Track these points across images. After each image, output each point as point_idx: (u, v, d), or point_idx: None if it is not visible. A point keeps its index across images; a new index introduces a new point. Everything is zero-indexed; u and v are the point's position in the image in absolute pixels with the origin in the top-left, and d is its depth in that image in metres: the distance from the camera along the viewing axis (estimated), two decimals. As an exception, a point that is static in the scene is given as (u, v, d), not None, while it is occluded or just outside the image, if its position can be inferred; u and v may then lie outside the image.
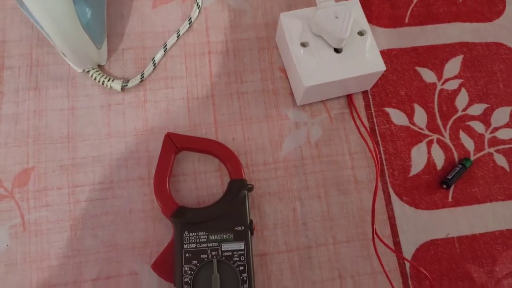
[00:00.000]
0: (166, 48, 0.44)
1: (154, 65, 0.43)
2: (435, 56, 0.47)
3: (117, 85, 0.41)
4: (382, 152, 0.44)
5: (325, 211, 0.41)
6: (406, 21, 0.48)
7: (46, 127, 0.41)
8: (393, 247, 0.40)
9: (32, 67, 0.42)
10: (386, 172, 0.43)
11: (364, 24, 0.42)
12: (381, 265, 0.38)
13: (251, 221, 0.37)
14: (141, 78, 0.42)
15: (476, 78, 0.47)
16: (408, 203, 0.42)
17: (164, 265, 0.36)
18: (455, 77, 0.47)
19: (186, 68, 0.44)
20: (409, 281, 0.40)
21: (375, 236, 0.39)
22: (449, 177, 0.43)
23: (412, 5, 0.49)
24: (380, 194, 0.42)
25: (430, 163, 0.44)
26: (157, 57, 0.43)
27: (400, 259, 0.40)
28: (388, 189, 0.43)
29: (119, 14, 0.45)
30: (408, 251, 0.41)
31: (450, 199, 0.43)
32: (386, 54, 0.46)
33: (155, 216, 0.39)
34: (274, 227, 0.40)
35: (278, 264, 0.40)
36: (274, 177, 0.42)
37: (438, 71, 0.47)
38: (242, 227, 0.37)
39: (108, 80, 0.41)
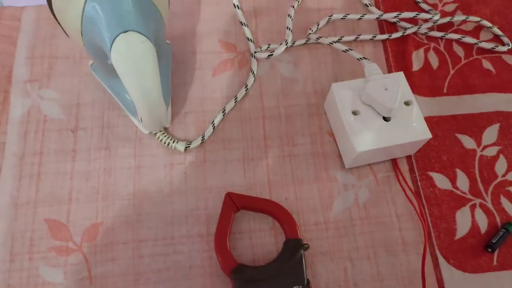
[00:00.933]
0: (225, 112, 0.47)
1: (213, 128, 0.46)
2: (473, 124, 0.50)
3: (181, 146, 0.44)
4: (427, 214, 0.46)
5: (374, 272, 0.43)
6: (445, 91, 0.52)
7: (115, 184, 0.44)
8: (443, 310, 0.41)
9: (103, 128, 0.46)
10: (433, 234, 0.45)
11: (409, 95, 0.45)
12: (435, 328, 0.39)
13: (308, 280, 0.39)
14: (201, 140, 0.45)
15: (513, 145, 0.49)
16: (455, 266, 0.44)
17: None
18: (493, 144, 0.49)
19: (242, 131, 0.47)
20: None
21: (426, 298, 0.40)
22: (494, 241, 0.44)
23: (449, 77, 0.52)
24: (427, 256, 0.44)
25: (474, 226, 0.45)
26: (216, 121, 0.47)
27: (450, 322, 0.41)
28: (435, 251, 0.44)
29: (182, 81, 0.49)
30: (457, 314, 0.42)
31: (495, 263, 0.44)
32: (427, 121, 0.49)
33: (213, 273, 0.41)
34: (326, 286, 0.42)
35: (330, 323, 0.41)
36: (325, 237, 0.43)
37: (477, 138, 0.49)
38: (300, 287, 0.38)
39: (173, 142, 0.45)
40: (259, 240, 0.43)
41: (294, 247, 0.40)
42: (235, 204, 0.41)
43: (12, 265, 0.40)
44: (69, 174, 0.44)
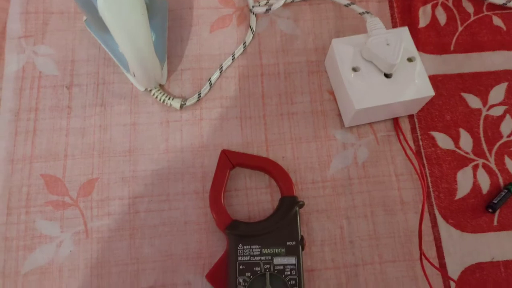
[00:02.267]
0: (222, 70, 0.46)
1: (210, 85, 0.45)
2: (480, 82, 0.48)
3: (176, 103, 0.44)
4: (428, 174, 0.45)
5: (371, 230, 0.42)
6: (452, 48, 0.50)
7: (110, 141, 0.43)
8: (438, 271, 0.41)
9: (98, 85, 0.45)
10: (432, 194, 0.44)
11: (413, 51, 0.43)
12: (430, 286, 0.39)
13: (302, 237, 0.39)
14: (198, 97, 0.45)
15: (521, 105, 0.48)
16: (454, 226, 0.43)
17: (218, 276, 0.38)
18: (500, 103, 0.48)
19: (240, 88, 0.46)
20: (455, 304, 0.40)
21: (423, 257, 0.40)
22: (495, 202, 0.43)
23: (457, 34, 0.50)
24: (426, 215, 0.43)
25: (475, 187, 0.44)
26: (213, 78, 0.46)
27: (447, 281, 0.41)
28: (434, 211, 0.43)
29: (178, 38, 0.48)
30: (453, 274, 0.41)
31: (495, 223, 0.43)
32: (432, 80, 0.48)
33: (209, 229, 0.41)
34: (321, 244, 0.42)
35: (325, 280, 0.41)
36: (322, 195, 0.43)
37: (483, 97, 0.48)
38: (294, 242, 0.38)
39: (169, 99, 0.44)
40: (254, 198, 0.43)
41: (289, 204, 0.40)
42: (230, 161, 0.41)
43: (9, 219, 0.40)
44: (64, 130, 0.43)
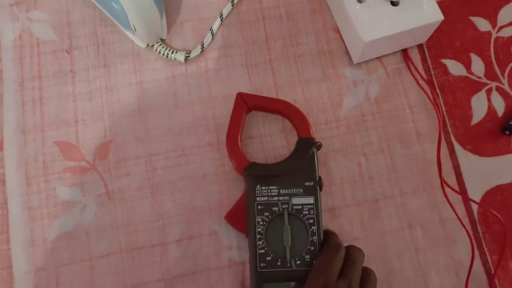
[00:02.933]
0: (222, 17, 0.45)
1: (212, 35, 0.44)
2: (488, 4, 0.47)
3: (180, 56, 0.43)
4: (442, 103, 0.44)
5: (389, 164, 0.42)
6: (457, -30, 0.48)
7: (119, 101, 0.43)
8: (459, 195, 0.41)
9: (98, 46, 0.44)
10: (448, 122, 0.44)
11: (418, -25, 0.42)
12: (454, 210, 0.39)
13: (319, 177, 0.39)
14: (201, 48, 0.44)
15: (531, 23, 0.46)
16: (472, 151, 0.43)
17: (237, 216, 0.39)
18: (510, 24, 0.46)
19: (243, 35, 0.45)
20: (478, 227, 0.41)
21: (444, 184, 0.40)
22: (511, 123, 0.43)
23: (462, -46, 0.48)
24: (443, 144, 0.43)
25: (490, 110, 0.44)
26: (215, 27, 0.44)
27: (468, 205, 0.41)
28: (451, 139, 0.43)
29: (174, -12, 0.46)
30: (474, 198, 0.41)
31: (513, 145, 0.43)
32: (438, 5, 0.46)
33: (227, 179, 0.41)
34: (340, 182, 0.42)
35: (348, 217, 0.41)
36: (337, 135, 0.43)
37: (492, 19, 0.46)
38: (312, 183, 0.38)
39: (172, 52, 0.43)
40: (270, 144, 0.42)
41: (306, 146, 0.39)
42: (247, 104, 0.41)
43: (30, 188, 0.40)
44: (71, 96, 0.43)
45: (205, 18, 0.45)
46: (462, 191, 0.42)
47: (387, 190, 0.42)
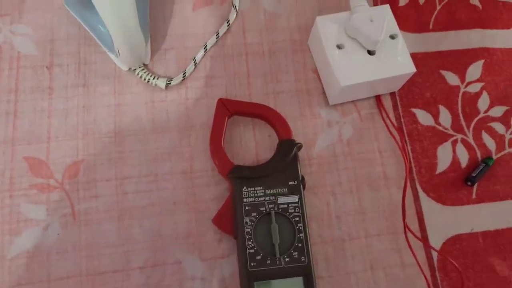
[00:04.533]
0: (206, 49, 0.46)
1: (195, 65, 0.45)
2: (458, 60, 0.50)
3: (161, 82, 0.43)
4: (409, 150, 0.46)
5: (357, 206, 0.43)
6: (431, 26, 0.51)
7: (95, 122, 0.43)
8: (421, 241, 0.43)
9: (80, 65, 0.44)
10: (414, 169, 0.45)
11: (395, 28, 0.44)
12: (414, 256, 0.40)
13: (302, 176, 0.40)
14: (183, 77, 0.44)
15: (496, 82, 0.49)
16: (435, 199, 0.45)
17: (224, 219, 0.39)
18: (477, 80, 0.49)
19: (225, 68, 0.46)
20: (437, 273, 0.42)
21: (407, 230, 0.41)
22: (474, 175, 0.45)
23: (436, 12, 0.51)
24: (408, 190, 0.44)
25: (455, 161, 0.46)
26: (198, 57, 0.45)
27: (429, 251, 0.43)
28: (416, 185, 0.45)
29: (161, 16, 0.47)
30: (435, 245, 0.43)
31: (474, 196, 0.45)
32: (412, 58, 0.48)
33: (197, 208, 0.41)
34: (309, 219, 0.42)
35: (313, 255, 0.41)
36: (309, 173, 0.44)
37: (461, 74, 0.49)
38: (295, 182, 0.40)
39: (153, 78, 0.43)
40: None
41: (288, 147, 0.41)
42: (228, 109, 0.41)
43: (-7, 203, 0.39)
44: (46, 112, 0.42)
45: (190, 48, 0.46)
46: (424, 238, 0.43)
47: (353, 230, 0.43)
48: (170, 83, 0.44)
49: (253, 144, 0.44)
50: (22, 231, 0.39)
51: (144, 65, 0.45)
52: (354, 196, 0.44)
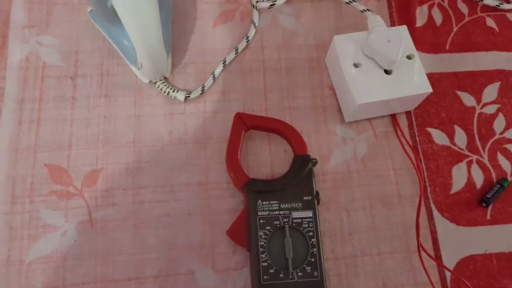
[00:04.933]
0: (225, 64, 0.47)
1: (213, 79, 0.46)
2: (474, 81, 0.50)
3: (181, 95, 0.44)
4: (424, 169, 0.46)
5: (370, 223, 0.43)
6: (447, 47, 0.51)
7: (115, 132, 0.44)
8: (435, 261, 0.42)
9: (103, 76, 0.45)
10: (428, 188, 0.45)
11: (411, 48, 0.45)
12: (428, 276, 0.40)
13: (317, 192, 0.41)
14: (201, 90, 0.45)
15: (512, 104, 0.50)
16: (449, 219, 0.44)
17: (238, 232, 0.40)
18: (493, 102, 0.49)
19: (243, 83, 0.47)
20: (450, 294, 0.42)
21: (420, 249, 0.41)
22: (488, 196, 0.45)
23: (453, 34, 0.52)
24: (422, 209, 0.44)
25: (470, 182, 0.46)
26: (217, 72, 0.46)
27: (442, 271, 0.42)
28: (430, 204, 0.45)
29: (182, 31, 0.48)
30: (448, 265, 0.42)
31: (488, 217, 0.45)
32: (428, 78, 0.49)
33: (212, 220, 0.42)
34: (322, 235, 0.42)
35: (326, 270, 0.41)
36: (322, 189, 0.44)
37: (477, 95, 0.50)
38: (310, 197, 0.40)
39: (173, 91, 0.44)
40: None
41: (302, 162, 0.41)
42: (245, 123, 0.42)
43: (14, 208, 0.40)
44: (68, 120, 0.44)
45: (209, 62, 0.47)
46: (437, 257, 0.43)
47: (366, 247, 0.43)
48: (189, 96, 0.45)
49: (268, 159, 0.44)
50: (41, 236, 0.40)
51: (165, 78, 0.46)
52: (367, 213, 0.44)
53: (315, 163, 0.42)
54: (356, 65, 0.44)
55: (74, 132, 0.43)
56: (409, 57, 0.44)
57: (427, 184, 0.46)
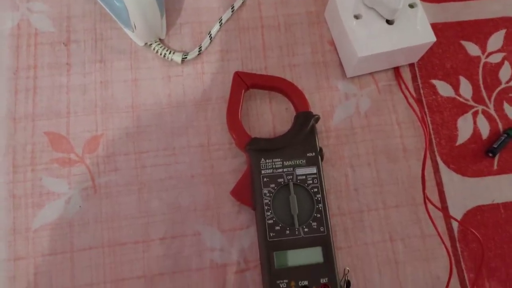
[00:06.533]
0: (222, 23, 0.45)
1: (210, 39, 0.45)
2: (479, 30, 0.49)
3: (177, 57, 0.43)
4: (429, 122, 0.45)
5: (375, 178, 0.43)
6: (451, -4, 0.49)
7: (112, 97, 0.43)
8: (441, 212, 0.42)
9: (96, 41, 0.44)
10: (434, 141, 0.45)
11: (414, -3, 0.43)
12: (435, 227, 0.40)
13: (320, 148, 0.40)
14: (198, 51, 0.44)
15: (519, 52, 0.48)
16: (455, 171, 0.44)
17: (242, 191, 0.40)
18: (498, 50, 0.48)
19: (240, 41, 0.46)
20: (457, 244, 0.42)
21: (427, 201, 0.41)
22: (495, 146, 0.44)
23: (456, -19, 0.50)
24: (428, 162, 0.44)
25: (475, 132, 0.45)
26: (213, 31, 0.45)
27: (449, 222, 0.42)
28: (436, 157, 0.44)
29: (175, -10, 0.47)
30: (455, 217, 0.42)
31: (495, 167, 0.44)
32: (432, 28, 0.48)
33: (215, 181, 0.42)
34: (327, 192, 0.42)
35: (332, 226, 0.41)
36: (326, 145, 0.43)
37: (482, 44, 0.48)
38: (313, 153, 0.40)
39: (169, 53, 0.43)
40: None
41: (305, 119, 0.41)
42: (245, 82, 0.41)
43: (16, 177, 0.40)
44: (65, 87, 0.43)
45: (205, 22, 0.46)
46: (444, 209, 0.43)
47: (372, 202, 0.42)
48: (186, 58, 0.44)
49: (270, 117, 0.44)
50: (45, 204, 0.40)
51: (160, 40, 0.44)
52: (372, 168, 0.43)
53: (317, 119, 0.41)
54: (356, 17, 0.42)
55: (71, 99, 0.43)
56: (411, 6, 0.43)
57: (432, 136, 0.45)
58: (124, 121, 0.42)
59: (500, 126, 0.45)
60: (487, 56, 0.48)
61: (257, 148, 0.40)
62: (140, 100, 0.43)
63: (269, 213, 0.38)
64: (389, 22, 0.42)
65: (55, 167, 0.41)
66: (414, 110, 0.44)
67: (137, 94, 0.43)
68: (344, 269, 0.39)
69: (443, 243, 0.40)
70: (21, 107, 0.42)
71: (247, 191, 0.39)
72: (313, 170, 0.40)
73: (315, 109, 0.44)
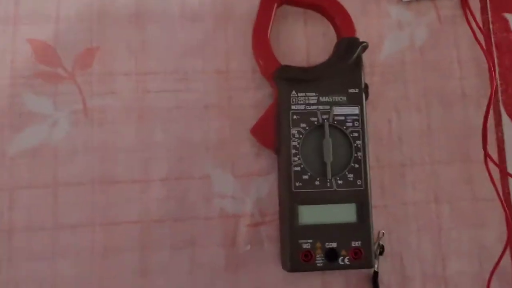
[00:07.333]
0: None
1: None
2: None
3: (195, -43, 0.35)
4: (496, 63, 0.38)
5: (424, 126, 0.36)
6: None
7: (112, 2, 0.35)
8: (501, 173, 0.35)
9: None
10: (499, 88, 0.37)
11: None
12: (496, 189, 0.33)
13: (366, 84, 0.34)
14: (222, -47, 0.36)
15: None
16: (522, 125, 0.37)
17: (265, 130, 0.33)
18: None
19: None
20: (515, 211, 0.35)
21: (487, 159, 0.34)
22: None
23: None
24: (490, 112, 0.36)
25: (551, 81, 0.37)
26: None
27: (507, 186, 0.36)
28: (499, 107, 0.37)
29: None
30: (515, 180, 0.36)
31: None
32: None
33: (233, 115, 0.35)
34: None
35: (368, 180, 0.35)
36: (369, 83, 0.36)
37: None
38: (357, 90, 0.33)
39: (185, -50, 0.35)
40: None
41: (350, 46, 0.34)
42: None
43: (-9, 90, 0.33)
44: (54, -14, 0.35)
45: None
46: (504, 170, 0.36)
47: (417, 155, 0.36)
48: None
49: (303, 43, 0.36)
50: (25, 126, 0.33)
51: None
52: (422, 114, 0.36)
53: (365, 47, 0.34)
54: None
55: (62, 1, 0.35)
56: None
57: (498, 82, 0.37)
58: (126, 33, 0.35)
59: None
60: None
61: (288, 77, 0.33)
62: (146, 8, 0.36)
63: (296, 159, 0.32)
64: None
65: (38, 83, 0.34)
66: (481, 47, 0.36)
67: (143, 0, 0.35)
68: (378, 232, 0.33)
69: (504, 209, 0.33)
70: (1, 8, 0.35)
71: (270, 130, 0.33)
72: (355, 110, 0.33)
73: (360, 38, 0.36)
